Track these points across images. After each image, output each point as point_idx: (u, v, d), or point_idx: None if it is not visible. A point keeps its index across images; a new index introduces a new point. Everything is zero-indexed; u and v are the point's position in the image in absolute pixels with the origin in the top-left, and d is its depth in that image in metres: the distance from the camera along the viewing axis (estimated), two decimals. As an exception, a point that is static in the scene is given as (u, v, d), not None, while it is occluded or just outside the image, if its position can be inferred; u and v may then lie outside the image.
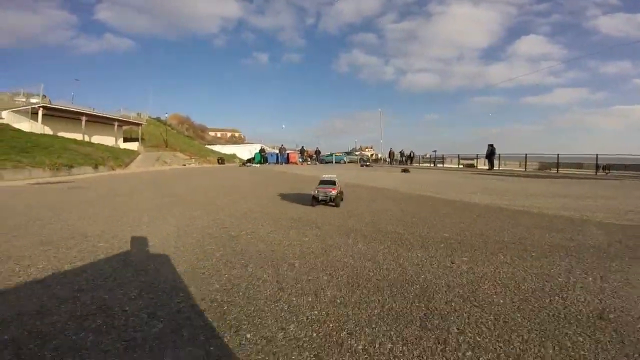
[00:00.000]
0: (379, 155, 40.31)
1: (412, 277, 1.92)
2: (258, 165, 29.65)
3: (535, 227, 3.31)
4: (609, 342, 1.24)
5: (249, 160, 37.97)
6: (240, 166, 27.22)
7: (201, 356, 1.18)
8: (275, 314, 1.48)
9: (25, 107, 20.12)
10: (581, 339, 1.27)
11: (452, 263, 2.18)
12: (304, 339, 1.28)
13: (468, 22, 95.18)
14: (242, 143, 54.91)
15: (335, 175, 4.92)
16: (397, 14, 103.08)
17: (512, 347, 1.22)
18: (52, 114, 20.68)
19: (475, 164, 20.58)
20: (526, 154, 19.07)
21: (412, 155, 28.10)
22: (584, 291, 1.73)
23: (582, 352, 1.18)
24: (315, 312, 1.50)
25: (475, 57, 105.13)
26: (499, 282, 1.86)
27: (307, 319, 1.44)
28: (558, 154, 16.98)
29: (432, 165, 24.88)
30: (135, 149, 26.06)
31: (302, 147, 36.71)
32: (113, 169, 16.29)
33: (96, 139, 23.13)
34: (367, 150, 45.87)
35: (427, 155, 29.53)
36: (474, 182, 9.24)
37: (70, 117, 22.06)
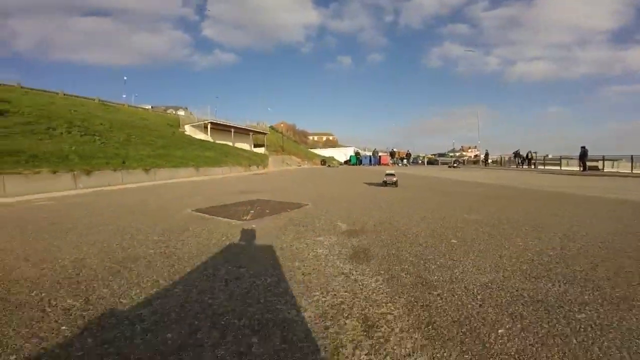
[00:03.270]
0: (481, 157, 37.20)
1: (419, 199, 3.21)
2: (354, 165, 31.85)
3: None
4: None
5: (346, 162, 40.84)
6: (339, 166, 30.28)
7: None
8: (364, 208, 3.01)
9: (198, 122, 26.75)
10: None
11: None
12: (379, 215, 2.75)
13: (583, 3, 78.17)
14: (337, 146, 58.55)
15: (394, 171, 7.56)
16: (488, 1, 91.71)
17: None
18: (214, 127, 26.88)
19: (599, 166, 17.88)
20: (631, 155, 16.05)
21: (529, 156, 22.37)
22: None
23: None
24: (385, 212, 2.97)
25: (603, 40, 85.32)
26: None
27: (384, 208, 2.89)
28: None
29: (543, 167, 22.13)
30: (263, 152, 31.31)
31: (393, 149, 37.35)
32: (264, 168, 20.60)
33: (238, 146, 28.92)
34: (469, 150, 40.23)
35: (550, 156, 24.57)
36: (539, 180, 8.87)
37: (224, 129, 28.18)
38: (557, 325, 1.15)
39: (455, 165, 24.83)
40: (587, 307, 1.27)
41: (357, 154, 38.42)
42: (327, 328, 1.14)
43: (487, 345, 1.03)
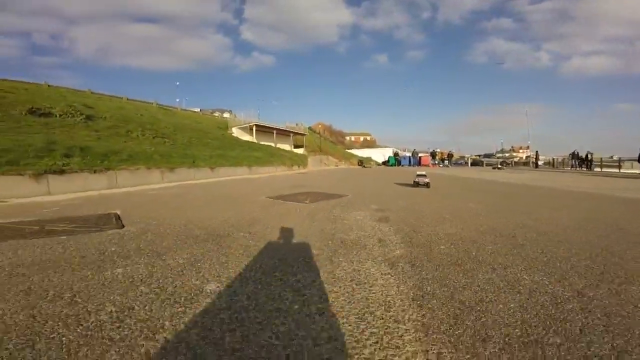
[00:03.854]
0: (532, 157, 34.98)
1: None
2: (392, 167, 32.37)
3: None
4: None
5: (384, 163, 41.33)
6: (374, 166, 31.10)
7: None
8: (390, 197, 4.05)
9: (244, 125, 29.48)
10: None
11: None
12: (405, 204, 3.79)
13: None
14: (375, 146, 59.06)
15: (425, 172, 7.83)
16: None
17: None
18: (259, 129, 29.42)
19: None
20: None
21: (588, 157, 21.38)
22: None
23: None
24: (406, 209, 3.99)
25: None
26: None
27: (406, 203, 3.93)
28: None
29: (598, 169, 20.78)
30: (302, 153, 33.28)
31: (434, 150, 37.15)
32: (304, 167, 22.42)
33: (280, 147, 31.19)
34: (520, 150, 37.16)
35: (614, 157, 22.74)
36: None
37: (267, 131, 30.64)
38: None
39: (499, 166, 24.36)
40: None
41: (395, 154, 38.92)
42: (362, 240, 2.51)
43: (434, 248, 2.32)
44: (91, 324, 1.24)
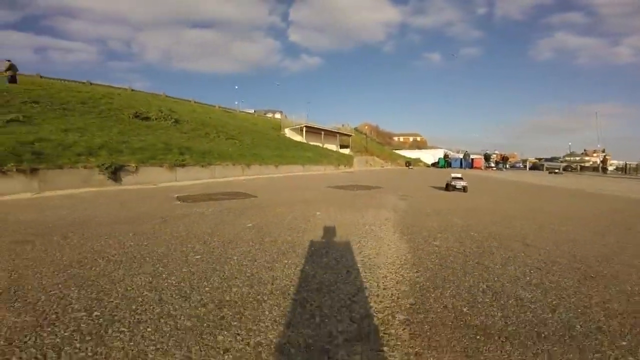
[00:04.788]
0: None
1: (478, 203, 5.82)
2: (442, 168, 33.00)
3: None
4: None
5: (433, 164, 41.80)
6: (426, 167, 32.07)
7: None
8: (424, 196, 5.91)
9: (295, 126, 32.73)
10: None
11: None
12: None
13: None
14: (425, 147, 58.90)
15: (460, 174, 7.49)
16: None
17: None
18: (308, 130, 32.44)
19: None
20: None
21: None
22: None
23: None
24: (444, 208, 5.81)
25: None
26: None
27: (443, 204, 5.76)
28: None
29: None
30: (349, 153, 35.57)
31: (487, 152, 36.64)
32: (350, 167, 24.80)
33: (327, 147, 33.87)
34: (595, 154, 33.96)
35: None
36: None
37: (315, 132, 33.55)
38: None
39: (556, 171, 23.90)
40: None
41: (445, 156, 39.12)
42: (384, 205, 4.79)
43: (422, 210, 4.51)
44: (250, 227, 3.75)
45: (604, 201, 6.46)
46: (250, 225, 3.42)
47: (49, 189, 6.02)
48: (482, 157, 36.31)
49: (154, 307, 1.46)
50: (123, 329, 1.27)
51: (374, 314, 1.44)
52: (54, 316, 1.36)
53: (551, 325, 1.35)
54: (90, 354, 1.11)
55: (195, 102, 33.35)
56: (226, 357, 1.11)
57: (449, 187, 7.30)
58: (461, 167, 35.79)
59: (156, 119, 15.52)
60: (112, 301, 1.52)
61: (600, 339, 1.24)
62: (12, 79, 14.88)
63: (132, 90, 30.18)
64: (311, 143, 31.37)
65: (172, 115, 17.06)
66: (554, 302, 1.58)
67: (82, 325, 1.29)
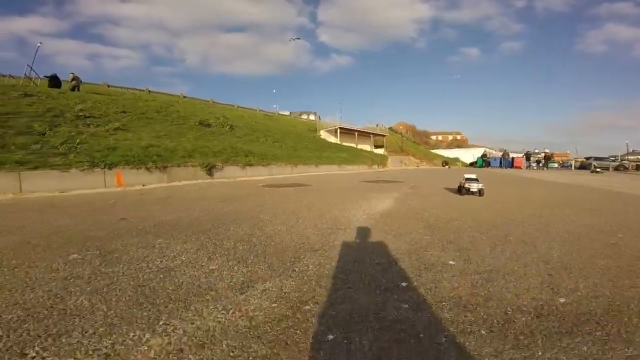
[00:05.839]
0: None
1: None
2: (480, 168, 34.24)
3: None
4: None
5: (471, 164, 42.83)
6: (463, 167, 33.48)
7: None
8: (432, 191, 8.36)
9: (330, 128, 35.80)
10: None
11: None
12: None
13: None
14: (465, 146, 59.14)
15: (475, 175, 7.08)
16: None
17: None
18: (342, 131, 35.35)
19: None
20: None
21: None
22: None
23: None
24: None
25: None
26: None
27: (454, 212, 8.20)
28: None
29: None
30: (383, 153, 37.90)
31: (528, 151, 37.05)
32: (384, 167, 27.35)
33: (360, 147, 36.51)
34: None
35: None
36: None
37: (349, 133, 36.36)
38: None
39: (597, 170, 24.42)
40: None
41: (483, 155, 39.90)
42: (398, 191, 7.58)
43: (425, 191, 7.25)
44: (315, 196, 6.73)
45: (578, 190, 8.63)
46: (314, 197, 6.43)
47: (173, 180, 9.54)
48: (524, 156, 36.70)
49: (273, 212, 4.48)
50: (265, 215, 4.30)
51: (362, 217, 4.32)
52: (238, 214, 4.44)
53: None
54: (255, 217, 4.15)
55: (238, 106, 37.64)
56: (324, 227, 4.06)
57: (461, 190, 6.76)
58: (500, 166, 36.59)
59: (215, 125, 19.36)
60: (263, 213, 4.57)
61: None
62: (75, 89, 18.28)
63: (184, 97, 35.09)
64: (345, 144, 34.24)
65: (228, 122, 20.86)
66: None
67: (251, 218, 4.35)
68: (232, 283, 1.87)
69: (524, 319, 1.49)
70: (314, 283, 1.88)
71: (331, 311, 1.53)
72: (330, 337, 1.32)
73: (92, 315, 1.47)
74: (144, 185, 8.40)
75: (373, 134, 40.15)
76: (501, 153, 39.69)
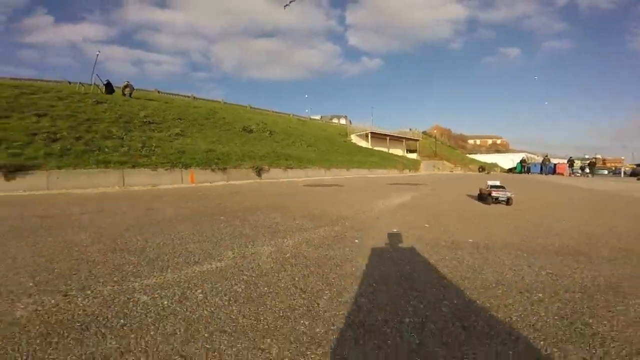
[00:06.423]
0: None
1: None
2: (519, 174, 34.36)
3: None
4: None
5: (510, 170, 42.59)
6: (501, 172, 33.68)
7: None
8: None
9: (361, 132, 37.53)
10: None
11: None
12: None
13: None
14: (506, 151, 58.11)
15: (499, 182, 6.88)
16: None
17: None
18: (373, 136, 36.94)
19: None
20: None
21: None
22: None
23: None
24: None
25: None
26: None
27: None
28: None
29: None
30: (415, 158, 38.95)
31: (571, 157, 36.39)
32: (415, 171, 28.66)
33: (392, 152, 37.84)
34: None
35: None
36: None
37: (381, 137, 37.87)
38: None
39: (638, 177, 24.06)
40: None
41: (522, 161, 39.48)
42: (418, 191, 9.29)
43: (442, 191, 8.93)
44: (346, 194, 8.63)
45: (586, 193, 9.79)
46: (346, 194, 8.36)
47: (230, 180, 11.89)
48: (567, 162, 36.04)
49: (318, 201, 6.44)
50: (313, 204, 6.27)
51: (378, 203, 6.16)
52: (284, 198, 6.45)
53: None
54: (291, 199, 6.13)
55: (272, 111, 40.46)
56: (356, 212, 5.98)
57: (486, 199, 6.38)
58: (541, 172, 36.27)
59: (256, 131, 21.91)
60: (311, 203, 6.55)
61: None
62: (129, 95, 20.74)
63: (224, 102, 38.48)
64: (376, 148, 35.79)
65: (267, 128, 23.38)
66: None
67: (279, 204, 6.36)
68: (310, 227, 3.86)
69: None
70: (347, 228, 3.82)
71: (355, 236, 3.45)
72: (357, 241, 3.23)
73: (253, 233, 3.51)
74: (211, 183, 10.80)
75: (405, 138, 41.31)
76: (541, 159, 39.12)
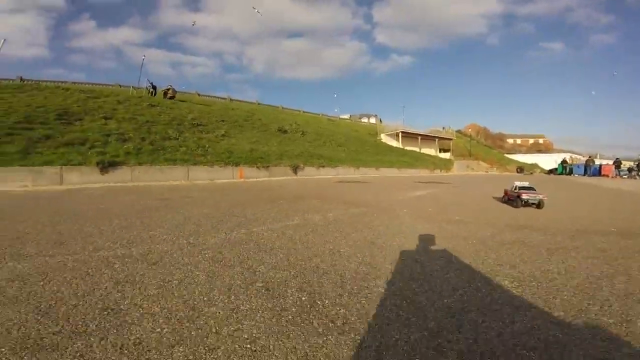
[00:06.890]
0: None
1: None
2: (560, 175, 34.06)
3: None
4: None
5: (550, 171, 41.83)
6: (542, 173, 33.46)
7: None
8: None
9: (391, 132, 38.55)
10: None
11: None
12: None
13: None
14: (547, 151, 56.29)
15: (528, 183, 6.64)
16: None
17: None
18: (404, 135, 37.83)
19: None
20: None
21: None
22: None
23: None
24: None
25: None
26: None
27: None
28: None
29: None
30: (448, 157, 39.31)
31: (618, 158, 35.18)
32: (447, 171, 29.50)
33: (424, 151, 38.50)
34: None
35: None
36: None
37: (412, 136, 38.64)
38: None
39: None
40: None
41: (564, 162, 38.57)
42: (441, 186, 10.71)
43: (466, 186, 10.29)
44: (374, 189, 10.23)
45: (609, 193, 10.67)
46: (373, 188, 10.00)
47: (272, 176, 13.88)
48: (613, 164, 34.92)
49: (349, 193, 8.12)
50: (345, 196, 7.96)
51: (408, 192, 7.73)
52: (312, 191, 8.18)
53: None
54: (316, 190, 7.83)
55: (303, 111, 42.46)
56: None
57: (515, 201, 6.12)
58: (585, 174, 35.49)
59: (290, 132, 23.89)
60: (344, 195, 8.25)
61: None
62: (171, 97, 22.74)
63: (259, 103, 41.05)
64: (407, 148, 36.63)
65: (299, 128, 25.31)
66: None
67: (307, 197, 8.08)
68: (343, 208, 5.60)
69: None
70: (373, 209, 5.51)
71: (375, 212, 5.12)
72: (375, 215, 4.91)
73: (305, 209, 5.31)
74: (256, 179, 12.85)
75: (438, 137, 41.70)
76: (585, 159, 38.05)
